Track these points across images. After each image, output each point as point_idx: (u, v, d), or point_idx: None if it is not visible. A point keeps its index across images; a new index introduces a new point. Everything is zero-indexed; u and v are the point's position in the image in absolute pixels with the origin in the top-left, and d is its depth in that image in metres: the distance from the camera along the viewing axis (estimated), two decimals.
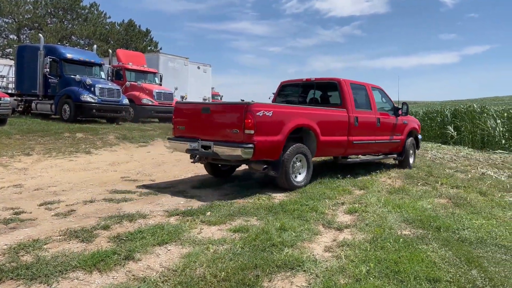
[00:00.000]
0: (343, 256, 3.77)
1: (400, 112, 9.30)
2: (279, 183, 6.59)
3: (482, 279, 3.32)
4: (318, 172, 8.26)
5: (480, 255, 3.87)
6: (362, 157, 9.48)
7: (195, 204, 5.68)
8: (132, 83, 18.00)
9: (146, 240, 4.03)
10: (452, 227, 4.70)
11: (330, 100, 8.48)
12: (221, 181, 7.46)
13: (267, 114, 6.15)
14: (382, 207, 5.66)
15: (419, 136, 10.47)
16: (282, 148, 6.43)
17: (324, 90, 8.72)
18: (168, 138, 7.41)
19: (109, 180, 7.49)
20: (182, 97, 21.46)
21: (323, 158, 10.11)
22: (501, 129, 18.04)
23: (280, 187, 6.58)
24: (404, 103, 9.36)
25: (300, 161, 6.86)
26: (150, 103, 17.44)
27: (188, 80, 23.48)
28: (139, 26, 45.55)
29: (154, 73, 19.59)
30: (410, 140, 9.78)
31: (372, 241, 4.19)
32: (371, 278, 3.29)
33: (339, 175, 7.97)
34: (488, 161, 12.42)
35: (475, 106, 21.86)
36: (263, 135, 6.06)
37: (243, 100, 6.60)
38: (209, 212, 5.14)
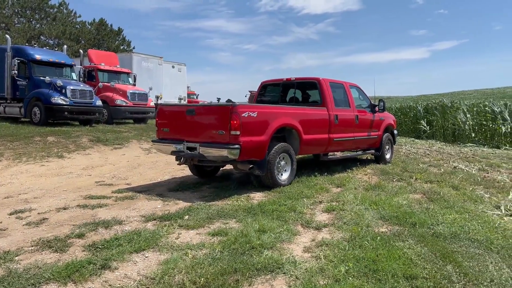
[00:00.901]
0: (322, 257, 3.79)
1: (377, 108, 9.58)
2: (264, 182, 6.71)
3: (457, 274, 3.39)
4: (296, 171, 8.30)
5: (455, 250, 3.96)
6: (342, 154, 9.73)
7: (173, 207, 5.61)
8: (105, 84, 17.59)
9: (123, 248, 3.95)
10: (427, 223, 4.80)
11: (310, 99, 8.69)
12: (199, 183, 7.38)
13: (252, 115, 6.26)
14: (359, 204, 5.73)
15: (395, 132, 10.78)
16: (267, 147, 6.55)
17: (304, 89, 8.91)
18: (153, 141, 7.40)
19: (83, 185, 7.31)
20: (157, 97, 21.07)
21: (300, 156, 10.16)
22: (471, 122, 18.58)
23: (265, 186, 6.70)
24: (380, 100, 9.67)
25: (284, 160, 6.99)
26: (124, 104, 17.10)
27: (163, 80, 23.18)
28: (111, 25, 44.61)
29: (128, 73, 19.21)
30: (386, 135, 10.04)
31: (350, 240, 4.23)
32: (350, 278, 3.32)
33: (316, 173, 8.03)
34: (459, 155, 12.77)
35: (445, 101, 22.43)
36: (248, 135, 6.17)
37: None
38: (187, 216, 5.08)
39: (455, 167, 9.82)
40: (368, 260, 3.64)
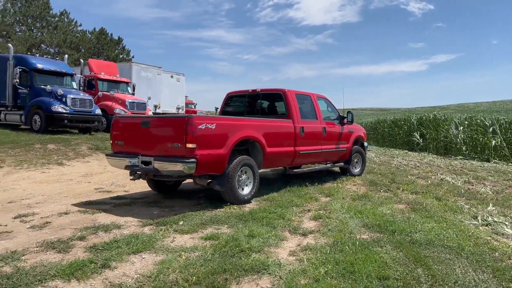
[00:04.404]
0: (305, 259, 4.12)
1: (345, 121, 9.48)
2: (225, 197, 6.49)
3: (426, 276, 3.72)
4: (287, 180, 8.66)
5: (427, 255, 4.29)
6: (310, 167, 9.65)
7: (169, 213, 5.93)
8: (105, 93, 17.98)
9: (122, 249, 4.27)
10: (405, 231, 5.13)
11: (276, 111, 8.48)
12: (195, 190, 7.71)
13: (209, 127, 6.03)
14: (345, 213, 6.07)
15: (365, 144, 10.72)
16: (227, 161, 6.32)
17: (270, 101, 8.81)
18: (106, 155, 6.99)
19: (83, 191, 7.62)
20: (156, 106, 21.54)
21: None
22: (462, 136, 19.00)
23: (226, 201, 6.48)
24: (349, 112, 9.54)
25: (246, 173, 6.74)
26: (122, 113, 17.47)
27: (161, 89, 23.58)
28: (111, 34, 45.33)
29: (127, 83, 19.61)
30: (355, 148, 9.95)
31: (333, 245, 4.56)
32: (328, 278, 3.65)
33: (307, 183, 8.40)
34: (448, 167, 13.15)
35: (437, 114, 22.92)
36: (206, 148, 5.94)
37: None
38: (182, 222, 5.40)
39: (442, 179, 10.18)
40: (346, 263, 3.97)
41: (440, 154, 19.54)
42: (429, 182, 9.61)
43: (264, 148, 6.99)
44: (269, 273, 3.78)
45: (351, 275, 3.70)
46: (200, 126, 5.86)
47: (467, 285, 3.59)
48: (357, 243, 4.59)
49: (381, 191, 8.15)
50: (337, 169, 10.33)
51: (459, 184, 9.55)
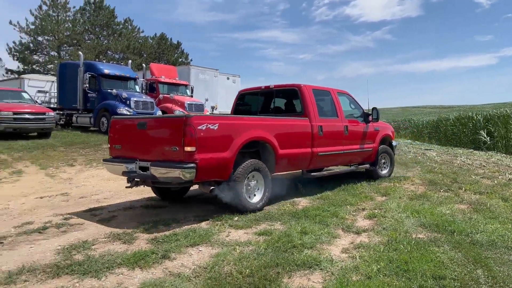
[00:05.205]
0: (357, 257, 4.12)
1: (370, 118, 8.73)
2: (231, 205, 5.85)
3: (485, 277, 3.58)
4: (342, 179, 8.58)
5: (488, 256, 4.11)
6: (333, 169, 9.00)
7: (224, 210, 6.14)
8: (165, 95, 18.83)
9: (180, 242, 4.53)
10: (465, 231, 4.93)
11: (292, 109, 7.75)
12: None
13: (211, 127, 5.39)
14: (401, 212, 5.93)
15: (394, 143, 9.84)
16: (232, 165, 5.69)
17: (285, 98, 8.16)
18: (104, 160, 6.49)
19: (146, 189, 8.07)
20: (213, 108, 22.21)
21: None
22: None
23: (233, 210, 5.86)
24: (374, 108, 8.75)
25: (255, 178, 6.10)
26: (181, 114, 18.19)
27: (218, 91, 24.23)
28: (171, 39, 47.16)
29: (186, 85, 20.39)
30: (383, 147, 9.16)
31: (387, 244, 4.51)
32: (381, 276, 3.63)
33: (363, 182, 8.28)
34: None
35: (507, 110, 21.42)
36: (207, 152, 5.31)
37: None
38: (237, 218, 5.59)
39: (510, 180, 9.55)
40: (400, 261, 3.92)
41: (510, 153, 18.25)
42: (495, 182, 9.06)
43: (276, 150, 6.32)
44: (321, 269, 3.84)
45: (405, 273, 3.65)
46: (200, 127, 5.24)
47: None
48: (413, 242, 4.50)
49: (441, 190, 7.84)
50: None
51: None
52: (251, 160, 5.99)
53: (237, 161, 5.74)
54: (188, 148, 5.13)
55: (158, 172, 5.36)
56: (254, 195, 6.10)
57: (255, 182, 6.11)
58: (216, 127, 5.46)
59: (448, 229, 5.04)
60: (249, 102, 8.49)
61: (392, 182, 8.68)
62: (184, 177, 5.12)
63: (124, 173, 5.90)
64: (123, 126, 6.32)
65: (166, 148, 5.38)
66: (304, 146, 6.94)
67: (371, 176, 8.97)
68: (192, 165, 5.13)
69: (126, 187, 6.20)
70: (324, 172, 8.25)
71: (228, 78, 25.74)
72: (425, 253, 4.14)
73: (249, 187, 6.01)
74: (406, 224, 5.28)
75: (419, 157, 13.27)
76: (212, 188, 5.63)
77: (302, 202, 6.68)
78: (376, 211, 6.09)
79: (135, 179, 5.90)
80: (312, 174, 7.45)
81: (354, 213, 6.01)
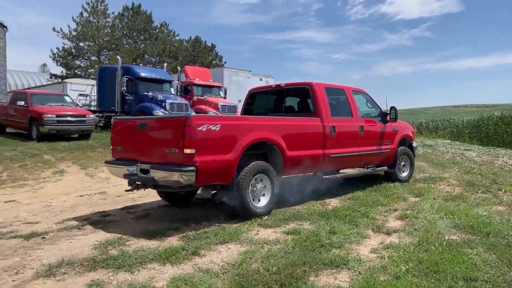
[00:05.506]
0: (386, 257, 4.08)
1: (388, 118, 8.29)
2: (235, 210, 5.63)
3: None
4: (373, 180, 8.46)
5: None
6: (348, 172, 8.69)
7: None
8: (199, 97, 19.17)
9: (210, 239, 4.65)
10: (502, 233, 4.76)
11: (304, 108, 7.38)
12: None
13: (212, 128, 5.16)
14: (435, 213, 5.80)
15: (414, 144, 9.34)
16: (236, 168, 5.44)
17: (296, 97, 7.81)
18: (106, 162, 6.33)
19: None
20: None
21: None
22: None
23: (236, 215, 5.64)
24: (392, 107, 8.30)
25: (262, 182, 5.84)
26: (215, 115, 18.47)
27: None
28: (205, 42, 47.86)
29: (219, 87, 20.67)
30: (402, 149, 8.68)
31: (418, 244, 4.43)
32: (409, 276, 3.58)
33: (396, 183, 8.14)
34: None
35: None
36: (208, 154, 5.10)
37: None
38: (266, 217, 5.65)
39: None
40: (430, 262, 3.85)
41: None
42: None
43: (284, 152, 6.04)
44: (348, 268, 3.83)
45: (434, 275, 3.59)
46: (200, 128, 5.01)
47: None
48: (445, 243, 4.40)
49: (479, 192, 7.58)
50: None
51: None
52: (256, 162, 5.72)
53: (242, 163, 5.52)
54: (187, 150, 4.94)
55: (158, 175, 5.19)
56: (259, 200, 5.84)
57: (261, 185, 5.85)
58: (218, 128, 5.23)
59: (483, 230, 4.88)
60: (260, 101, 8.19)
61: (427, 182, 8.48)
62: (183, 180, 4.94)
63: (125, 176, 5.77)
64: (124, 127, 6.17)
65: (166, 150, 5.21)
66: (315, 148, 6.63)
67: (390, 178, 8.55)
68: (191, 168, 4.92)
69: (126, 190, 5.98)
70: (338, 175, 8.00)
71: (261, 79, 25.84)
72: (457, 255, 4.04)
73: (255, 190, 5.75)
74: (438, 225, 5.16)
75: (457, 158, 12.84)
76: (214, 193, 5.43)
77: (333, 202, 6.65)
78: (408, 212, 5.98)
79: (136, 182, 5.68)
80: (324, 177, 7.14)
81: (385, 214, 5.93)
